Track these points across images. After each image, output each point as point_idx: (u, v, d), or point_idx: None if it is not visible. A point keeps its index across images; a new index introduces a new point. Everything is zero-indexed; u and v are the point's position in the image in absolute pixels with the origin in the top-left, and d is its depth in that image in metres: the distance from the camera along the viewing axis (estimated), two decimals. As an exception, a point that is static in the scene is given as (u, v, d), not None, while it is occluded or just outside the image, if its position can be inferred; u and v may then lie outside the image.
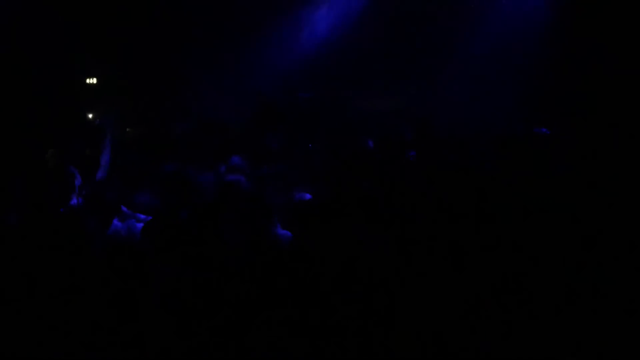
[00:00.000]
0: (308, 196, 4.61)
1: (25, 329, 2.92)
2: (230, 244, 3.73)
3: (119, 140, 5.23)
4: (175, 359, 3.10)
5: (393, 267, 3.37)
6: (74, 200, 4.56)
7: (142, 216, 4.60)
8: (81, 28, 9.12)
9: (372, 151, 6.11)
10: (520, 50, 8.40)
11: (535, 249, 3.57)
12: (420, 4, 8.98)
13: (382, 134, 6.50)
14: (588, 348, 3.08)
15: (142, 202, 4.85)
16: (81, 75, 9.90)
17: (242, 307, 3.24)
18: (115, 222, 4.36)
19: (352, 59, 9.21)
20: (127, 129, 5.73)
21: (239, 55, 9.43)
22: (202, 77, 9.43)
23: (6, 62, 8.69)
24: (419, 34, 8.89)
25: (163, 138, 6.64)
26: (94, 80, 9.93)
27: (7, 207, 3.94)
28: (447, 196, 4.20)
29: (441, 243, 3.57)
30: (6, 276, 3.08)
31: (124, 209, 4.56)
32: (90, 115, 5.15)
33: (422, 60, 8.86)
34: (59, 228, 3.78)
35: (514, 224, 3.86)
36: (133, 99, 9.24)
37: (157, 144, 6.38)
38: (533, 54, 8.33)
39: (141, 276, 3.40)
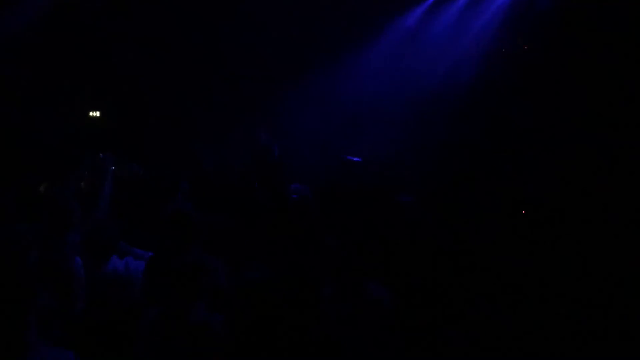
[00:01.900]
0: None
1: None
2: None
3: (120, 177, 5.15)
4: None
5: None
6: (71, 237, 4.47)
7: (140, 251, 4.53)
8: (86, 61, 9.18)
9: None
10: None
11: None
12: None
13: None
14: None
15: (141, 240, 4.78)
16: (84, 107, 9.90)
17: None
18: (114, 258, 4.29)
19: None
20: (130, 166, 5.70)
21: (244, 109, 9.55)
22: (208, 123, 9.47)
23: (8, 93, 8.72)
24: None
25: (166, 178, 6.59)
26: (97, 114, 9.90)
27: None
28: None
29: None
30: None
31: (122, 244, 4.49)
32: (92, 150, 5.10)
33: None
34: (57, 263, 3.72)
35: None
36: (137, 136, 9.21)
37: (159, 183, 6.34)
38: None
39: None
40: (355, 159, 8.19)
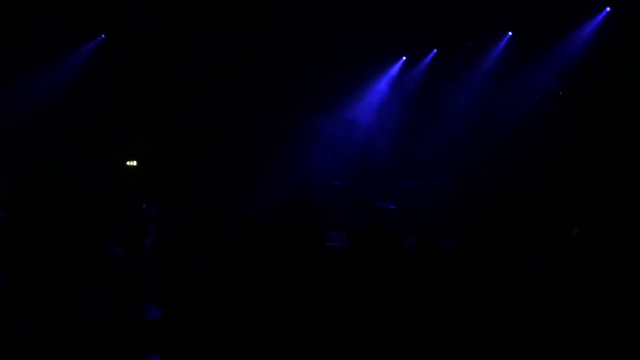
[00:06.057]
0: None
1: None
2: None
3: (162, 228, 5.28)
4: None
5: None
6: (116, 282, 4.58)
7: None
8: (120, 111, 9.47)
9: None
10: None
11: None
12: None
13: None
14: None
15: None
16: (121, 157, 10.12)
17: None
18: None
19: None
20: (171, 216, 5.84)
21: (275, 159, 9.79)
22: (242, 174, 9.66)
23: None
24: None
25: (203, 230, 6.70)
26: (134, 163, 10.08)
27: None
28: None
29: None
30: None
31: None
32: (136, 201, 5.25)
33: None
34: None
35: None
36: (172, 185, 9.35)
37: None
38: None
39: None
40: (390, 205, 8.10)
